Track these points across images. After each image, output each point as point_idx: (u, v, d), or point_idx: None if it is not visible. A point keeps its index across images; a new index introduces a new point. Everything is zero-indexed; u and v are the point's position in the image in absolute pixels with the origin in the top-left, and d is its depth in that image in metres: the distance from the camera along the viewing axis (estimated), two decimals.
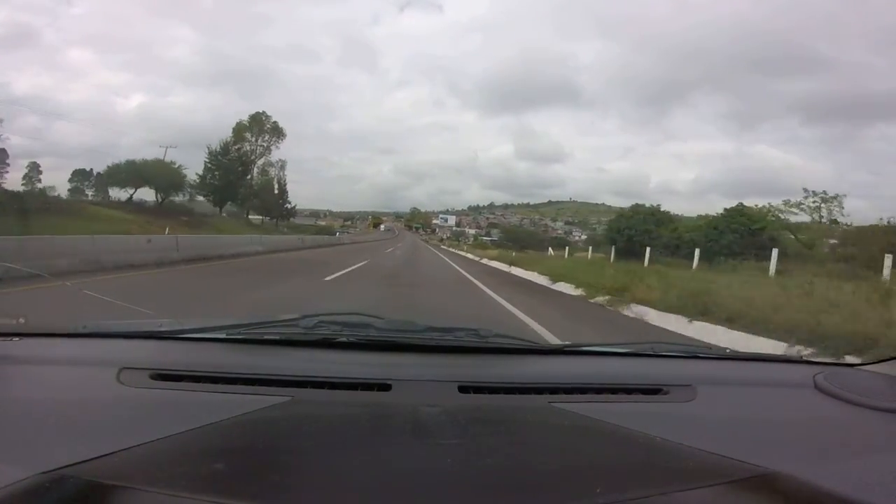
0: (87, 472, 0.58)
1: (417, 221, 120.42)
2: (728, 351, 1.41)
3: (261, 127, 42.87)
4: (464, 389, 0.91)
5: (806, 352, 3.55)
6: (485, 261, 21.03)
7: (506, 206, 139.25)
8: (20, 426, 0.73)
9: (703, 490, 0.62)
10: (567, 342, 1.23)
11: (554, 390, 0.96)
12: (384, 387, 0.89)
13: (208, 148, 38.37)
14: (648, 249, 17.85)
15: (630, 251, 22.22)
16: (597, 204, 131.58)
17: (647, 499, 0.58)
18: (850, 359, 1.25)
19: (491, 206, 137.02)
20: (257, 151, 43.23)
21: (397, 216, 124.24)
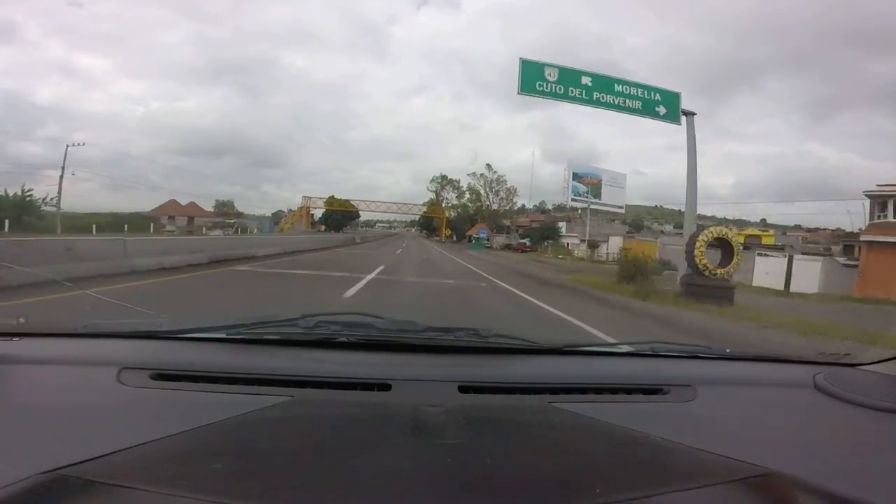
0: (87, 472, 0.58)
1: (446, 210, 63.87)
2: (728, 351, 1.41)
3: None
4: (464, 389, 0.91)
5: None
6: None
7: (559, 208, 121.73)
8: (20, 426, 0.73)
9: (703, 490, 0.62)
10: (567, 342, 1.23)
11: (554, 390, 0.96)
12: (384, 387, 0.89)
13: None
14: None
15: None
16: (665, 208, 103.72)
17: (647, 499, 0.58)
18: (849, 359, 1.25)
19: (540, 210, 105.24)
20: None
21: (412, 223, 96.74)
